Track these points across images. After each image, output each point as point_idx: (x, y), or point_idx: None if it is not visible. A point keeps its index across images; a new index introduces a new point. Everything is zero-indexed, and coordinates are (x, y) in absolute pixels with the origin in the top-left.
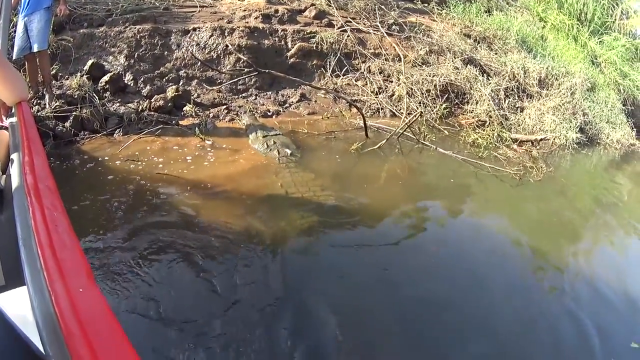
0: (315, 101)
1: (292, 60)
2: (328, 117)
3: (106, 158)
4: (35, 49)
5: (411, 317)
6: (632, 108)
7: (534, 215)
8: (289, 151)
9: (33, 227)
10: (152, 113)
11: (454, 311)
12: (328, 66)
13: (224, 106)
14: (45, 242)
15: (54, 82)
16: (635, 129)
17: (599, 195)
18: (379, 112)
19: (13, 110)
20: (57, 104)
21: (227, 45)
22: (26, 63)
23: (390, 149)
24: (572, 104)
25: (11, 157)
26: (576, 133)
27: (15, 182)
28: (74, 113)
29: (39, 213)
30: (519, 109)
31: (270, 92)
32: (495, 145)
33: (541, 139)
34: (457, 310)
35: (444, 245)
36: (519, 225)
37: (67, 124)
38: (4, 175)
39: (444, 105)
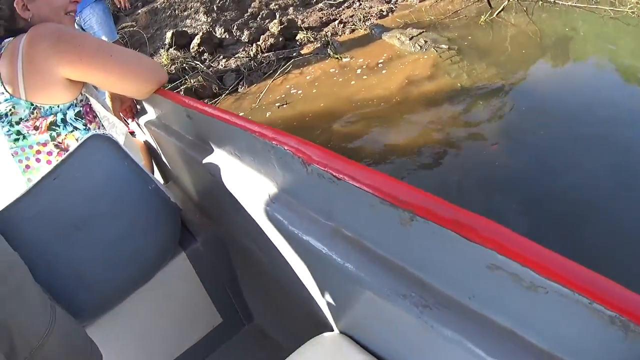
0: None
1: None
2: None
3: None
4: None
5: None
6: None
7: None
8: (445, 46)
9: None
10: (267, 54)
11: None
12: None
13: (336, 21)
14: None
15: None
16: None
17: None
18: None
19: (141, 107)
20: None
21: None
22: None
23: (515, 15)
24: None
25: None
26: None
27: None
28: (183, 87)
29: None
30: None
31: None
32: None
33: None
34: None
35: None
36: None
37: None
38: None
39: None
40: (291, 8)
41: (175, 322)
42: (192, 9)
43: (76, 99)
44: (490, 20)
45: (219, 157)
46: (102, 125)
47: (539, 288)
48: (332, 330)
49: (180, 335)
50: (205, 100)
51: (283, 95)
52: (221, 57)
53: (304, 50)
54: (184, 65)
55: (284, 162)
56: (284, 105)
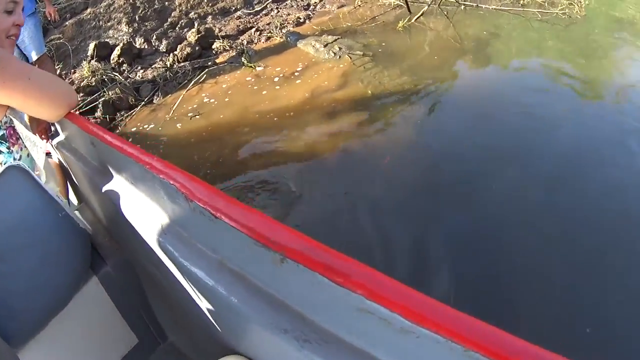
0: None
1: None
2: (360, 5)
3: (160, 125)
4: (34, 57)
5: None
6: None
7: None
8: (360, 52)
9: None
10: (183, 64)
11: None
12: None
13: (253, 29)
14: None
15: None
16: None
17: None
18: None
19: (55, 129)
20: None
21: None
22: None
23: (435, 19)
24: None
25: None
26: None
27: None
28: (101, 99)
29: None
30: None
31: (288, 0)
32: None
33: None
34: None
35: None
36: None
37: (99, 114)
38: None
39: None
40: (210, 17)
41: (94, 344)
42: (116, 20)
43: (0, 121)
44: (409, 25)
45: (119, 184)
46: (25, 146)
47: (410, 333)
48: (236, 352)
49: (101, 356)
50: (122, 112)
51: (196, 106)
52: (139, 67)
53: (219, 59)
54: (104, 77)
55: (170, 196)
56: (197, 116)
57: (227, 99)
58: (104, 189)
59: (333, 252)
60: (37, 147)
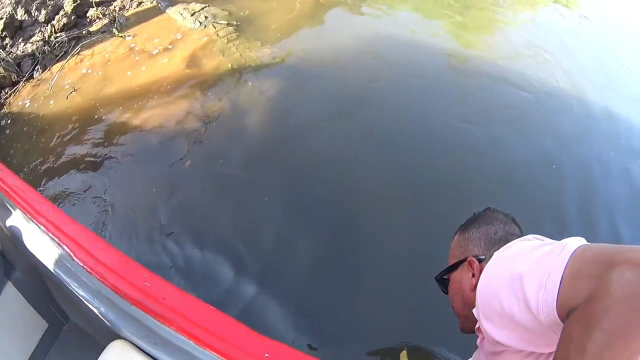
0: None
1: None
2: None
3: (40, 103)
4: None
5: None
6: None
7: None
8: (224, 22)
9: None
10: (60, 34)
11: None
12: None
13: None
14: None
15: None
16: None
17: None
18: None
19: None
20: None
21: None
22: None
23: None
24: None
25: None
26: None
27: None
28: None
29: None
30: None
31: None
32: None
33: None
34: None
35: None
36: None
37: None
38: None
39: None
40: None
41: (15, 335)
42: None
43: None
44: None
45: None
46: None
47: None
48: (121, 337)
49: (23, 344)
50: (6, 90)
51: (70, 80)
52: (20, 40)
53: (93, 28)
54: None
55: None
56: (72, 93)
57: (100, 73)
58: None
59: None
60: None
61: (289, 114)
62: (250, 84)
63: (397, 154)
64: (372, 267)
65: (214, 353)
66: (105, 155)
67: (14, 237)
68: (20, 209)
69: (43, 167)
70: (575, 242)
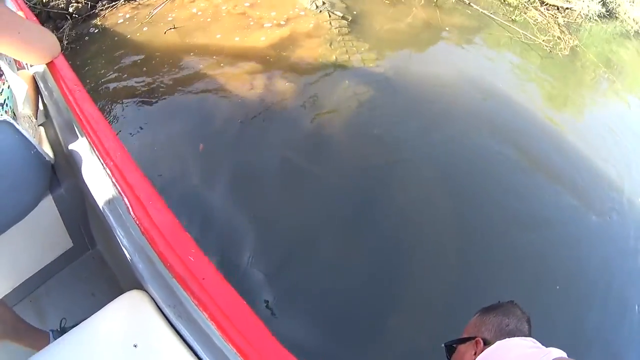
0: None
1: None
2: None
3: (135, 27)
4: None
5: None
6: None
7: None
8: (340, 13)
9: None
10: None
11: None
12: None
13: None
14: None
15: None
16: None
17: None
18: None
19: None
20: None
21: None
22: None
23: (425, 3)
24: None
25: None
26: (598, 4)
27: (86, 165)
28: None
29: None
30: None
31: None
32: (525, 6)
33: (567, 8)
34: None
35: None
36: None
37: None
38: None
39: None
40: None
41: (39, 244)
42: None
43: None
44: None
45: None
46: (7, 80)
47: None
48: (140, 287)
49: (42, 253)
50: (104, 2)
51: (175, 16)
52: None
53: None
54: None
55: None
56: (172, 29)
57: (209, 20)
58: (63, 126)
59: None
60: (18, 83)
61: (374, 124)
62: (347, 82)
63: (469, 203)
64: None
65: (234, 349)
66: (178, 100)
67: (72, 160)
68: (87, 139)
69: (111, 86)
70: (557, 352)
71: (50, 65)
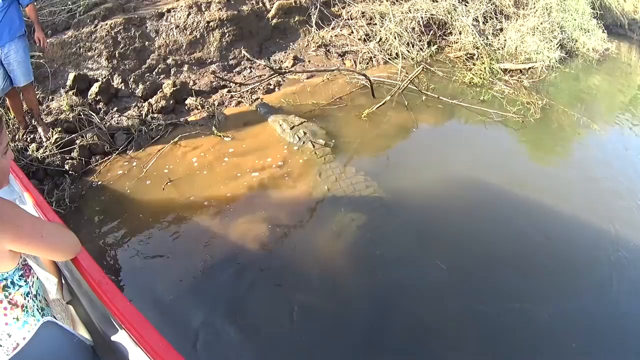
0: (309, 61)
1: (274, 21)
2: (328, 79)
3: (132, 182)
4: (22, 83)
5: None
6: (601, 12)
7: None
8: (322, 141)
9: None
10: (157, 116)
11: None
12: (311, 21)
13: (225, 89)
14: None
15: (40, 108)
16: (605, 32)
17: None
18: (372, 60)
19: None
20: (55, 135)
21: (208, 22)
22: (8, 100)
23: (397, 108)
24: (550, 22)
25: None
26: (557, 50)
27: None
28: (79, 142)
29: None
30: (499, 30)
31: (263, 60)
32: (490, 81)
33: (529, 68)
34: None
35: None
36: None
37: (75, 154)
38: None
39: (434, 46)
40: (186, 66)
41: None
42: (96, 51)
43: (19, 263)
44: (372, 113)
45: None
46: (34, 272)
47: None
48: None
49: None
50: (97, 157)
51: (169, 170)
52: (115, 109)
53: (191, 117)
54: (81, 114)
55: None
56: (168, 184)
57: (201, 170)
58: (99, 318)
59: None
60: (48, 279)
61: (375, 245)
62: (342, 209)
63: (476, 309)
64: None
65: None
66: (177, 254)
67: (116, 349)
68: (127, 332)
69: (108, 244)
70: None
71: (73, 260)
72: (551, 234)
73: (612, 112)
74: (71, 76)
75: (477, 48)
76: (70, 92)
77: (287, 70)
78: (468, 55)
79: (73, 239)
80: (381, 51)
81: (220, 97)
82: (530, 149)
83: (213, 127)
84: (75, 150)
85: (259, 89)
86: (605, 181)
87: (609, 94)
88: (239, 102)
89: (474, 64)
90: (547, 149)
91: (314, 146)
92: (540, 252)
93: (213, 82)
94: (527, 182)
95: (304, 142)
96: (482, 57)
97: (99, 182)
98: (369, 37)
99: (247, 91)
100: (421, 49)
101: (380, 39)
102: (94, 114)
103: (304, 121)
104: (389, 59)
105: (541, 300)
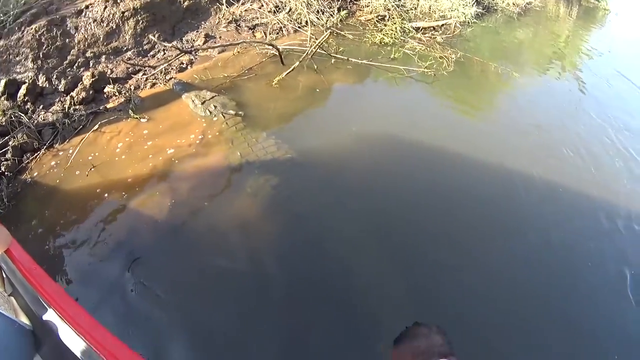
0: (220, 37)
1: (185, 3)
2: (238, 52)
3: (59, 174)
4: None
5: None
6: None
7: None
8: (232, 112)
9: None
10: (79, 107)
11: None
12: None
13: (140, 72)
14: None
15: None
16: None
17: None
18: (282, 30)
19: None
20: None
21: (123, 12)
22: None
23: (307, 72)
24: None
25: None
26: (473, 6)
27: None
28: (11, 143)
29: None
30: None
31: (175, 42)
32: (402, 40)
33: (442, 24)
34: None
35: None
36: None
37: (9, 155)
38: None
39: (344, 12)
40: (104, 56)
41: None
42: (23, 55)
43: None
44: (282, 79)
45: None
46: None
47: None
48: None
49: None
50: (27, 155)
51: (92, 157)
52: (41, 106)
53: (110, 104)
54: (12, 117)
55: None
56: (92, 170)
57: (117, 152)
58: (32, 301)
59: None
60: None
61: (292, 202)
62: (256, 172)
63: (390, 240)
64: None
65: None
66: (110, 237)
67: (48, 327)
68: (54, 310)
69: (49, 236)
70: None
71: (7, 251)
72: (460, 182)
73: (537, 62)
74: (2, 82)
75: (389, 10)
76: (2, 97)
77: (194, 49)
78: (379, 17)
79: (2, 231)
80: (291, 21)
81: (136, 81)
82: (442, 100)
83: (130, 111)
84: (8, 151)
85: (172, 69)
86: (517, 127)
87: (532, 46)
88: (153, 84)
89: (385, 25)
90: (460, 100)
91: (224, 117)
92: (449, 197)
93: (129, 68)
94: (439, 134)
95: (215, 115)
96: (393, 18)
97: (32, 179)
98: (279, 9)
99: (160, 72)
100: (331, 15)
101: (290, 9)
102: (23, 115)
103: (215, 95)
104: (299, 27)
105: (459, 242)
